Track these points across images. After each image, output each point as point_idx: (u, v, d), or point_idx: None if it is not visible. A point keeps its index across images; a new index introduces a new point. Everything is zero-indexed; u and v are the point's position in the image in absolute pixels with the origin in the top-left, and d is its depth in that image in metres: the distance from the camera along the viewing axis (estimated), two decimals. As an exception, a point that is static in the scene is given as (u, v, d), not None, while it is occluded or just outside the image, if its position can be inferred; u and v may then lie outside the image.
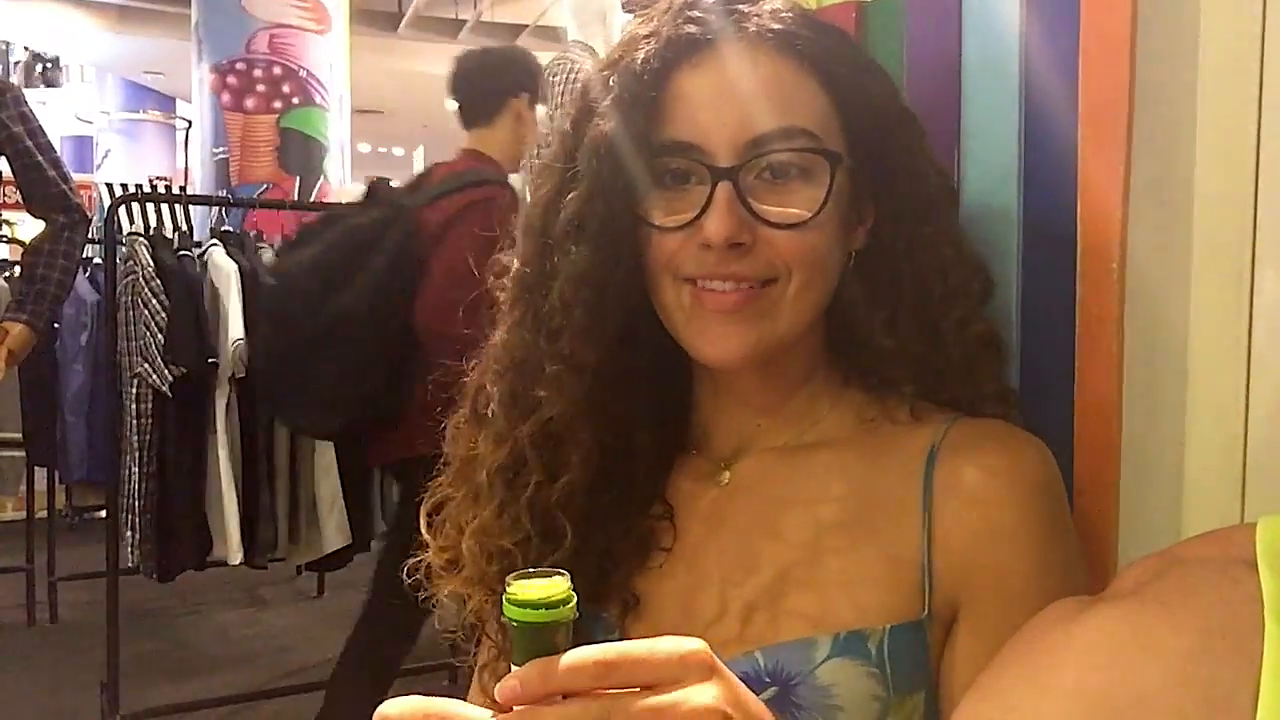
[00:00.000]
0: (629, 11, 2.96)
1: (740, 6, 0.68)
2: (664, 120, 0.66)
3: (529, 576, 0.47)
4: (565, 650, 0.47)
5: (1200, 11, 0.67)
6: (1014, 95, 0.79)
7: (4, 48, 10.82)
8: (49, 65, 10.54)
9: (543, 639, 0.47)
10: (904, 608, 0.65)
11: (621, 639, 0.70)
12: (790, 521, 0.70)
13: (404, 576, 0.76)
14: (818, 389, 0.74)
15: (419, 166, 3.72)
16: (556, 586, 0.47)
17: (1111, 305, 0.73)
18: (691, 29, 0.67)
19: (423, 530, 0.78)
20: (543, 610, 0.47)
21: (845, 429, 0.73)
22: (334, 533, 2.81)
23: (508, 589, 0.47)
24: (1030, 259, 0.79)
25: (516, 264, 0.73)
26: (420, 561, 0.77)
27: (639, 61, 0.66)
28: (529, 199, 0.74)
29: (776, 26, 0.67)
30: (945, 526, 0.66)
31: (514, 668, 0.47)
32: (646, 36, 0.67)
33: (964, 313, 0.71)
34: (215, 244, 2.76)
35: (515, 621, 0.47)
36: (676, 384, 0.76)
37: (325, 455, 2.75)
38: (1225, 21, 0.67)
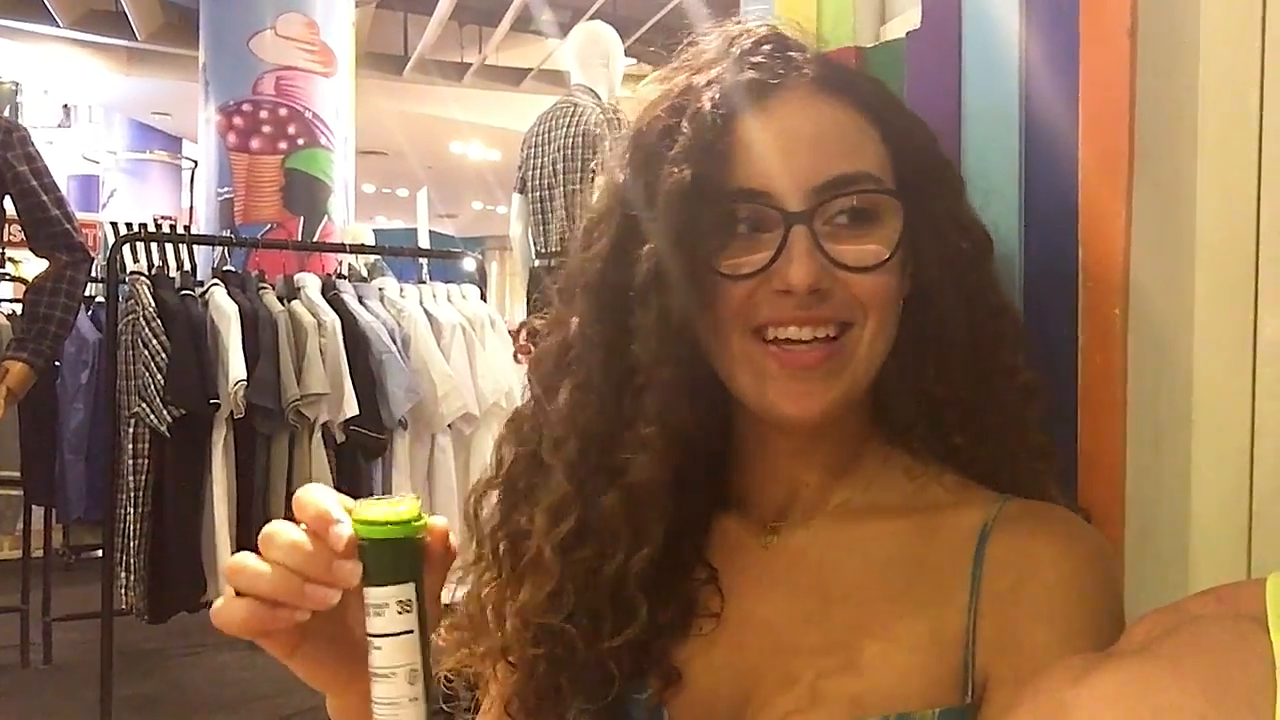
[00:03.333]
0: (632, 57, 2.99)
1: (793, 54, 0.68)
2: (734, 167, 0.65)
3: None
4: (415, 575, 0.51)
5: (1199, 53, 0.68)
6: (1015, 140, 0.79)
7: (14, 87, 10.95)
8: (65, 106, 10.67)
9: (391, 555, 0.49)
10: (948, 690, 0.62)
11: (663, 708, 0.68)
12: (838, 592, 0.67)
13: None
14: (869, 445, 0.72)
15: (422, 207, 3.74)
16: (407, 503, 0.51)
17: (1115, 351, 0.72)
18: (754, 75, 0.66)
19: None
20: (390, 526, 0.50)
21: (894, 490, 0.70)
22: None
23: (354, 512, 0.51)
24: (1032, 304, 0.78)
25: (574, 321, 0.70)
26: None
27: (706, 109, 0.65)
28: (573, 256, 0.72)
29: (830, 72, 0.68)
30: (991, 607, 0.63)
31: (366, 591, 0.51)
32: (707, 84, 0.67)
33: (1010, 361, 0.70)
34: (217, 284, 2.76)
35: (365, 540, 0.50)
36: (717, 440, 0.73)
37: (324, 495, 2.74)
38: (1225, 62, 0.67)
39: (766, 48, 0.68)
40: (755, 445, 0.72)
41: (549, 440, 0.70)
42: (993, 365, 0.69)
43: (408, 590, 0.52)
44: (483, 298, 3.23)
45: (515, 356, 3.01)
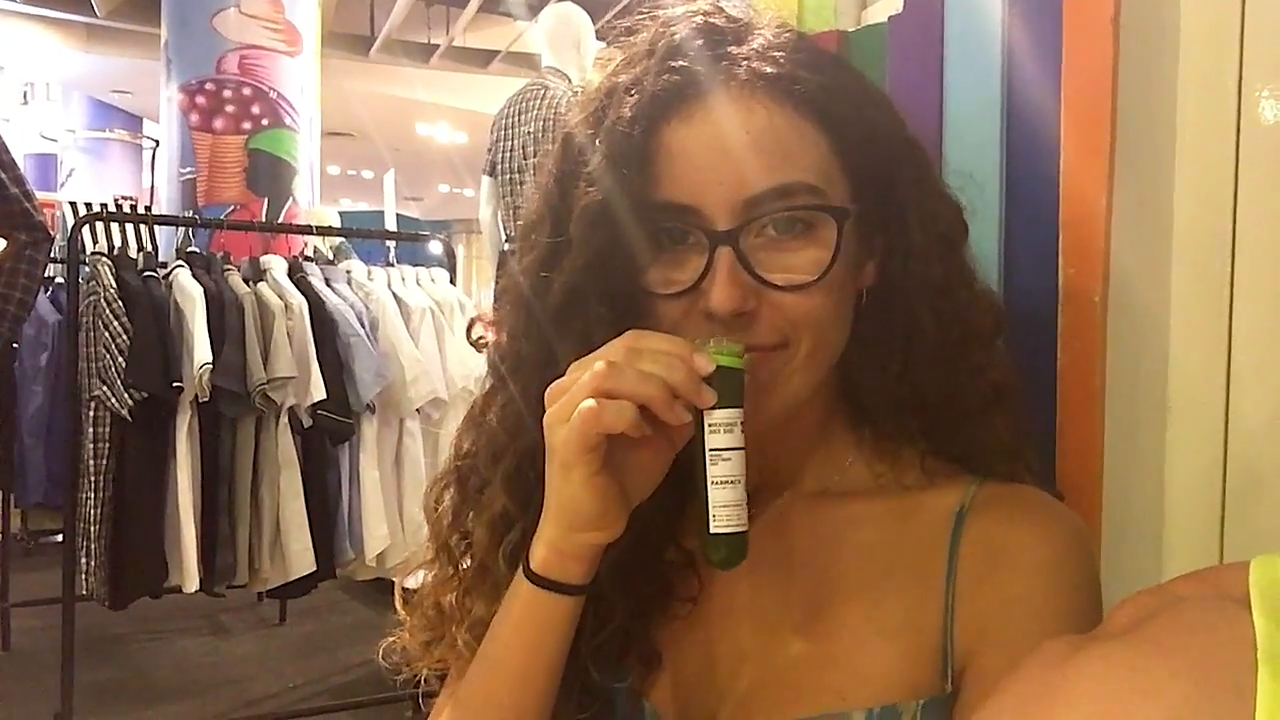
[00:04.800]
0: (602, 39, 2.97)
1: (729, 49, 0.63)
2: (656, 181, 0.61)
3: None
4: (744, 400, 0.59)
5: (1180, 43, 0.68)
6: (997, 126, 0.79)
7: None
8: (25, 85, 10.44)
9: (736, 382, 0.59)
10: (929, 680, 0.62)
11: (644, 701, 0.68)
12: (815, 578, 0.67)
13: None
14: (834, 437, 0.71)
15: (389, 190, 3.70)
16: (736, 343, 0.59)
17: (1095, 338, 0.73)
18: (677, 79, 0.62)
19: (399, 608, 0.74)
20: (733, 358, 0.59)
21: (867, 474, 0.70)
22: (297, 559, 2.76)
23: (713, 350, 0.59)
24: (1012, 290, 0.79)
25: (506, 336, 0.69)
26: (395, 643, 0.73)
27: (625, 119, 0.61)
28: (513, 260, 0.70)
29: (769, 70, 0.62)
30: (967, 594, 0.63)
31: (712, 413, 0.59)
32: (630, 89, 0.63)
33: (980, 359, 0.68)
34: (181, 265, 2.72)
35: (721, 368, 0.58)
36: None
37: (292, 480, 2.71)
38: (1205, 52, 0.68)
39: (698, 43, 0.63)
40: None
41: (487, 452, 0.69)
42: (961, 363, 0.67)
43: (741, 413, 0.59)
44: (452, 281, 3.20)
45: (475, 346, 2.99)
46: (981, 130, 0.80)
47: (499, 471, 0.68)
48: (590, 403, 0.57)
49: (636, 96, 0.62)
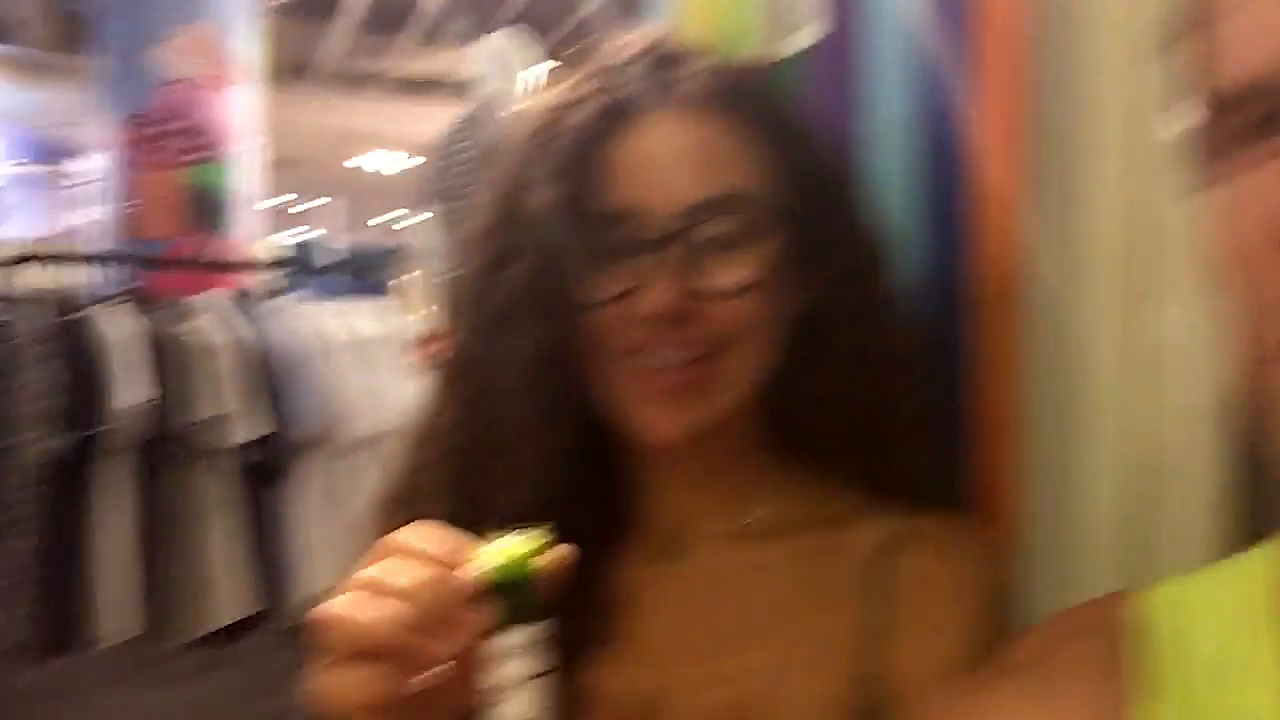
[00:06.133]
0: (544, 64, 2.98)
1: (671, 70, 0.66)
2: (598, 190, 0.63)
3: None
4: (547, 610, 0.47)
5: (1096, 49, 0.68)
6: (912, 162, 0.79)
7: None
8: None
9: (526, 593, 0.47)
10: (845, 715, 0.62)
11: None
12: (736, 616, 0.67)
13: None
14: (755, 466, 0.71)
15: (332, 219, 3.68)
16: (533, 534, 0.48)
17: (1011, 354, 0.73)
18: (622, 94, 0.65)
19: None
20: (521, 558, 0.47)
21: (788, 508, 0.70)
22: (234, 603, 2.70)
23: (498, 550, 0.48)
24: (930, 306, 0.79)
25: (458, 341, 0.69)
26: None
27: (571, 130, 0.64)
28: (460, 269, 0.71)
29: (711, 87, 0.65)
30: (884, 629, 0.64)
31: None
32: (576, 103, 0.65)
33: (903, 383, 0.69)
34: (113, 304, 2.66)
35: (501, 580, 0.47)
36: (605, 461, 0.71)
37: (228, 522, 2.65)
38: (1119, 58, 0.68)
39: (644, 63, 0.67)
40: (643, 467, 0.71)
41: (435, 454, 0.69)
42: (884, 386, 0.68)
43: (546, 627, 0.49)
44: (397, 311, 3.17)
45: (415, 364, 2.95)
46: (896, 163, 0.80)
47: (447, 473, 0.68)
48: (327, 675, 0.47)
49: (582, 111, 0.64)
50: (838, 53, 0.86)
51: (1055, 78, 0.71)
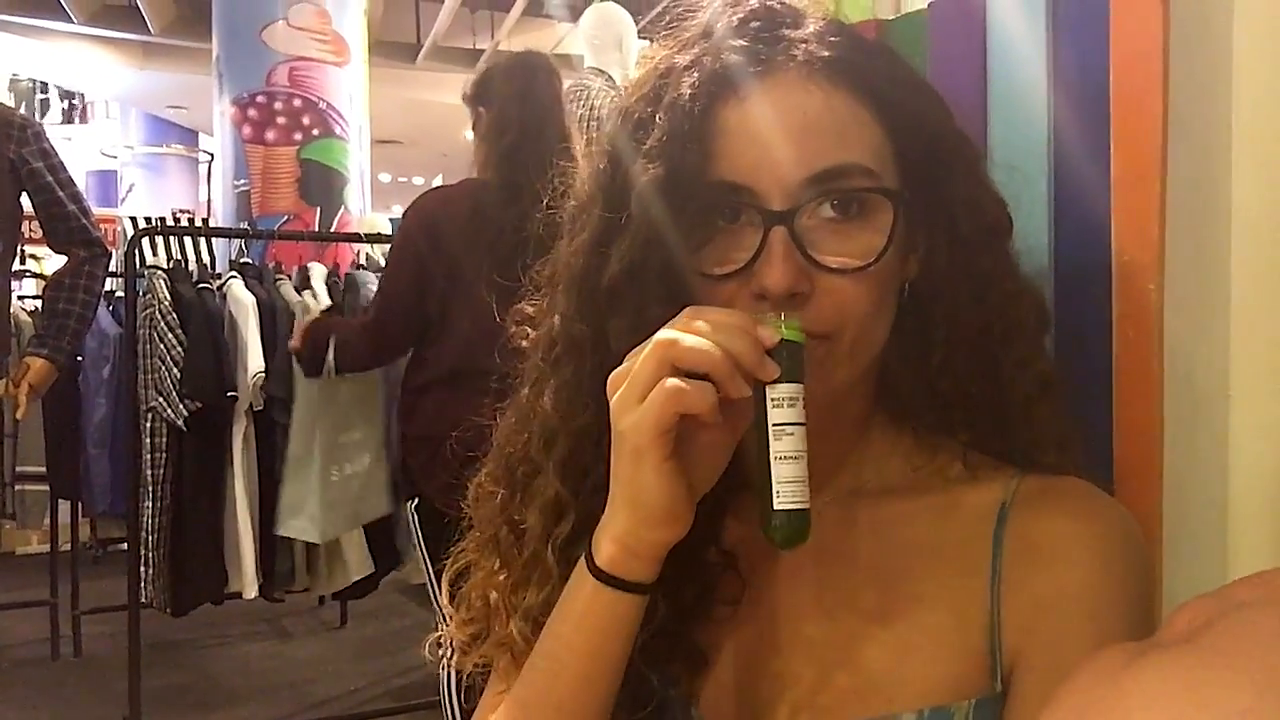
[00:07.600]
0: (645, 38, 2.97)
1: (785, 31, 0.63)
2: (712, 159, 0.61)
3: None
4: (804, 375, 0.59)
5: (1234, 18, 0.65)
6: (1042, 116, 0.77)
7: (31, 85, 11.00)
8: (74, 102, 10.71)
9: (798, 356, 0.58)
10: (978, 680, 0.61)
11: (692, 702, 0.67)
12: (858, 578, 0.66)
13: None
14: (874, 432, 0.70)
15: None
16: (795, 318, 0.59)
17: (1151, 327, 0.70)
18: (736, 59, 0.62)
19: (444, 603, 0.74)
20: (796, 331, 0.58)
21: (906, 471, 0.69)
22: (356, 562, 2.80)
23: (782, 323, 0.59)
24: (1064, 281, 0.76)
25: (557, 318, 0.68)
26: (441, 636, 0.73)
27: (685, 97, 0.61)
28: (558, 245, 0.70)
29: (826, 53, 0.62)
30: (1013, 590, 0.62)
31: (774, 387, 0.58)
32: (687, 67, 0.63)
33: (1025, 351, 0.66)
34: (235, 276, 2.76)
35: (784, 341, 0.58)
36: None
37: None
38: (1261, 26, 0.65)
39: (755, 25, 0.63)
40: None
41: (538, 437, 0.68)
42: (1004, 356, 0.66)
43: (803, 388, 0.59)
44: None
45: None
46: (1027, 118, 0.78)
47: (552, 457, 0.67)
48: (675, 382, 0.56)
49: (695, 75, 0.62)
50: (960, 11, 0.83)
51: (1193, 37, 0.68)
